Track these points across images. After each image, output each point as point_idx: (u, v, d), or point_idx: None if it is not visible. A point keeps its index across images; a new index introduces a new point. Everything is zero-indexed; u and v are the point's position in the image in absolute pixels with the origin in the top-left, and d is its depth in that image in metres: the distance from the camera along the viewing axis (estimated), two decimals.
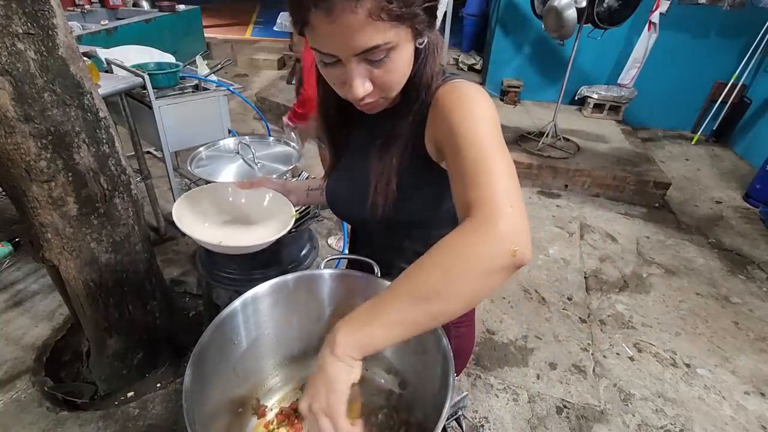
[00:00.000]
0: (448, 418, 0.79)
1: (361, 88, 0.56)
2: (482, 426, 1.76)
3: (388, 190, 0.70)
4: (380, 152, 0.71)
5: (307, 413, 0.48)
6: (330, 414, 0.47)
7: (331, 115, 0.78)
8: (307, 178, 1.60)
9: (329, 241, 2.75)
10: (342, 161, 0.84)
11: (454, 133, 0.57)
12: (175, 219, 0.88)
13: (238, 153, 1.65)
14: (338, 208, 0.86)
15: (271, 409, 0.82)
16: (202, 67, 2.60)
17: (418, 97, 0.65)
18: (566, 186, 3.67)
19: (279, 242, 1.47)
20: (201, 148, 1.67)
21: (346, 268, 0.85)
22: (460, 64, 5.84)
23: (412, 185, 0.71)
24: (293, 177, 1.61)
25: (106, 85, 1.98)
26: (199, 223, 0.97)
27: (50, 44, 0.86)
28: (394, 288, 0.48)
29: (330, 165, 0.86)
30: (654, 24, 3.60)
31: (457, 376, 0.64)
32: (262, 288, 0.78)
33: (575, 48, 3.45)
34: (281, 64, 6.46)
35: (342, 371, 0.48)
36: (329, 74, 0.59)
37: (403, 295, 0.47)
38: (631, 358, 2.06)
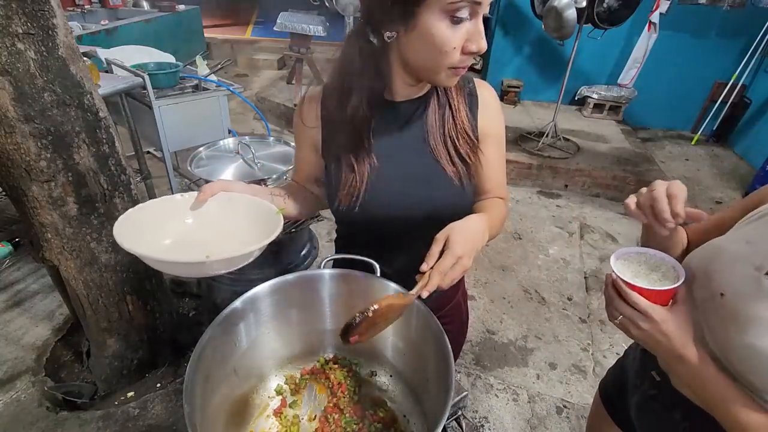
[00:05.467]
0: (448, 418, 0.79)
1: (485, 41, 0.65)
2: (482, 426, 1.76)
3: (470, 145, 0.81)
4: (441, 122, 0.80)
5: (457, 258, 0.64)
6: (470, 258, 0.66)
7: (361, 118, 0.76)
8: None
9: None
10: (380, 164, 0.80)
11: (501, 134, 0.86)
12: (121, 242, 0.63)
13: (238, 153, 1.65)
14: (398, 206, 0.81)
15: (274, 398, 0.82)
16: (202, 67, 2.60)
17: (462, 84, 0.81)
18: (566, 186, 3.67)
19: (279, 242, 1.46)
20: (201, 148, 1.67)
21: (346, 268, 0.85)
22: None
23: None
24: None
25: (106, 85, 1.98)
26: (156, 242, 0.73)
27: (50, 44, 0.86)
28: (488, 219, 0.74)
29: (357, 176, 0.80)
30: (654, 24, 3.60)
31: None
32: (262, 288, 0.78)
33: (575, 48, 3.45)
34: (281, 64, 6.46)
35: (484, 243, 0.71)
36: (454, 35, 0.63)
37: (492, 224, 0.75)
38: None
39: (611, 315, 0.64)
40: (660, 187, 0.61)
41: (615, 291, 0.62)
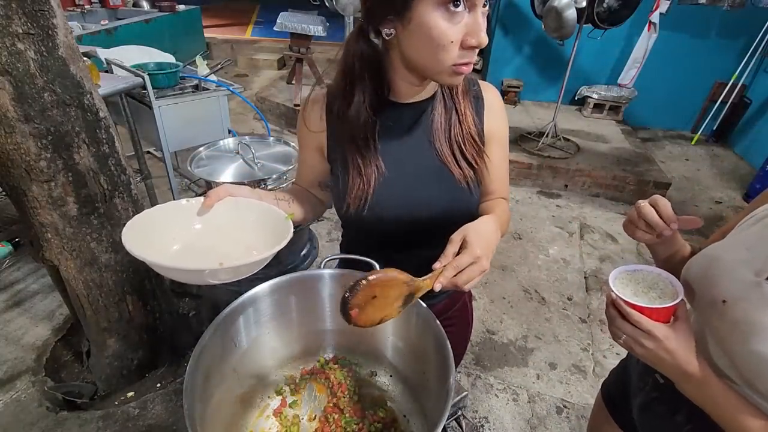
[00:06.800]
0: (448, 418, 0.79)
1: (485, 35, 0.63)
2: (482, 426, 1.76)
3: (476, 150, 0.80)
4: (447, 126, 0.80)
5: (476, 257, 0.62)
6: (488, 259, 0.65)
7: (366, 121, 0.76)
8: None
9: None
10: (387, 167, 0.79)
11: (505, 136, 0.86)
12: (130, 248, 0.62)
13: (238, 153, 1.65)
14: (407, 209, 0.80)
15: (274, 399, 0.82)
16: (202, 67, 2.61)
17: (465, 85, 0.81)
18: (566, 186, 3.67)
19: None
20: (201, 148, 1.67)
21: (346, 267, 0.85)
22: None
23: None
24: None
25: (106, 85, 1.98)
26: (165, 248, 0.72)
27: (50, 44, 0.86)
28: (498, 218, 0.73)
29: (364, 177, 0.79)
30: (654, 24, 3.60)
31: None
32: (262, 288, 0.78)
33: (575, 48, 3.45)
34: (281, 64, 6.46)
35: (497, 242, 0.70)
36: (451, 28, 0.61)
37: (500, 222, 0.75)
38: None
39: (614, 335, 0.64)
40: (643, 202, 0.68)
41: (616, 311, 0.62)
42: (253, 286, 0.77)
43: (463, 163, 0.79)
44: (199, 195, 0.78)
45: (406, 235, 0.84)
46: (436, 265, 0.63)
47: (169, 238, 0.74)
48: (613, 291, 0.62)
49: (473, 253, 0.61)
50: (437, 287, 0.62)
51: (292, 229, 0.71)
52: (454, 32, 0.61)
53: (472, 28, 0.62)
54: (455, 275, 0.61)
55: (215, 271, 0.62)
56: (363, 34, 0.70)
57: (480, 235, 0.64)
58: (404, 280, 0.63)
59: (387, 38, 0.67)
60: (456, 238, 0.64)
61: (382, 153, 0.79)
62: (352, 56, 0.72)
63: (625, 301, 0.60)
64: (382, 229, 0.83)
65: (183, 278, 0.66)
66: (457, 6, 0.60)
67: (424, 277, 0.63)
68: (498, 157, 0.84)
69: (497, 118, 0.83)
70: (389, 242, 0.85)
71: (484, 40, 0.62)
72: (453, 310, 1.00)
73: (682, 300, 0.60)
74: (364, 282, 0.60)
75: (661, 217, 0.66)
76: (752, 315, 0.55)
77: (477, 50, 0.64)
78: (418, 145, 0.80)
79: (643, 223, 0.68)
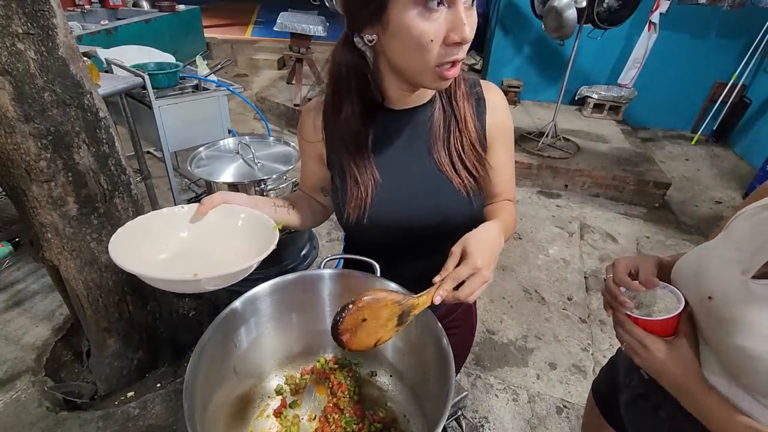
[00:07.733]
0: (448, 418, 0.79)
1: (470, 30, 0.59)
2: (482, 426, 1.76)
3: (477, 157, 0.78)
4: (446, 133, 0.78)
5: (476, 268, 0.61)
6: (490, 269, 0.64)
7: (357, 129, 0.75)
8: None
9: None
10: (384, 175, 0.79)
11: (509, 136, 0.83)
12: (114, 257, 0.61)
13: (238, 153, 1.65)
14: (405, 218, 0.79)
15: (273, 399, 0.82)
16: (202, 67, 2.61)
17: (464, 87, 0.79)
18: (566, 186, 3.67)
19: (279, 242, 1.47)
20: (201, 148, 1.67)
21: (345, 267, 0.85)
22: None
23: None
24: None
25: (106, 85, 1.98)
26: (153, 256, 0.71)
27: (50, 44, 0.86)
28: (501, 222, 0.70)
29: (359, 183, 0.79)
30: (654, 24, 3.60)
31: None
32: (262, 288, 0.78)
33: (575, 48, 3.45)
34: (281, 64, 6.46)
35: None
36: (430, 26, 0.58)
37: (505, 226, 0.74)
38: None
39: (620, 340, 0.68)
40: (608, 281, 0.71)
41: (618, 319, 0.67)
42: (253, 286, 0.77)
43: (463, 172, 0.77)
44: (199, 195, 0.78)
45: (407, 244, 0.83)
46: (436, 279, 0.62)
47: (162, 245, 0.73)
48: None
49: (473, 264, 0.60)
50: (437, 300, 0.61)
51: (276, 239, 0.70)
52: (434, 30, 0.58)
53: (454, 24, 0.58)
54: (457, 289, 0.61)
55: (193, 281, 0.62)
56: (348, 42, 0.69)
57: (481, 244, 0.62)
58: (395, 299, 0.62)
59: (370, 44, 0.66)
60: (456, 250, 0.63)
61: (379, 161, 0.78)
62: (338, 65, 0.72)
63: (624, 314, 0.64)
64: (382, 237, 0.82)
65: (166, 287, 0.65)
66: (433, 3, 0.57)
67: (421, 293, 0.62)
68: (503, 158, 0.82)
69: (500, 117, 0.81)
70: (391, 250, 0.84)
71: (468, 35, 0.59)
72: (457, 312, 0.99)
73: (684, 313, 0.61)
74: (351, 306, 0.60)
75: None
76: (737, 312, 0.56)
77: (464, 47, 0.62)
78: (416, 153, 0.78)
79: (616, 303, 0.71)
